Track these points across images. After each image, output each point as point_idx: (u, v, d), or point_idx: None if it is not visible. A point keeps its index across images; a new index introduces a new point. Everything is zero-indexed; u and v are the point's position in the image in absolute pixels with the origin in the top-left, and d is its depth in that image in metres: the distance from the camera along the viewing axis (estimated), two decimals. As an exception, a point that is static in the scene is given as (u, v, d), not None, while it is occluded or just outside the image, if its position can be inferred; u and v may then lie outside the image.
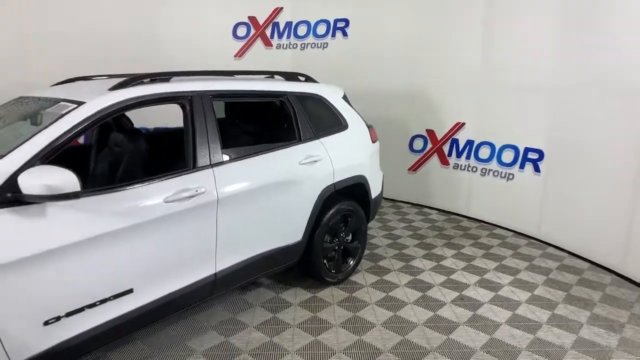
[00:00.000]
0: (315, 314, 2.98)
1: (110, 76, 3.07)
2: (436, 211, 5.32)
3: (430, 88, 5.17)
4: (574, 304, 3.13)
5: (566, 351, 2.57)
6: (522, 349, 2.59)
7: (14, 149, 1.87)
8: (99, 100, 2.14)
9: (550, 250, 4.14)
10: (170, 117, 3.38)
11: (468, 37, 4.74)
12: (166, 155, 3.18)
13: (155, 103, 2.37)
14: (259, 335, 2.72)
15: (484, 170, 4.82)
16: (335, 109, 3.40)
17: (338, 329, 2.80)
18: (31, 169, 1.77)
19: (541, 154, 4.24)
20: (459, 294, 3.27)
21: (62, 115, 2.03)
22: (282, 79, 3.33)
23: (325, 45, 5.93)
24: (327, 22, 5.86)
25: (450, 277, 3.55)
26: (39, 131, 1.94)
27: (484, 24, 4.60)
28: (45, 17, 5.38)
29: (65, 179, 1.75)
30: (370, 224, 3.96)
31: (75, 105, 2.10)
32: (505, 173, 4.61)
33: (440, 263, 3.81)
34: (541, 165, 4.25)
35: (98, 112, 2.09)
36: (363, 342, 2.66)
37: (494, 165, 4.72)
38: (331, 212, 3.20)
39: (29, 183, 1.73)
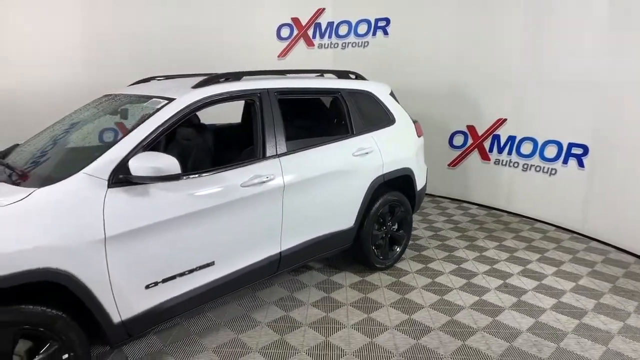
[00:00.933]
0: (365, 294, 3.20)
1: (180, 76, 3.41)
2: (476, 206, 5.43)
3: (471, 84, 5.29)
4: (620, 295, 3.21)
5: (613, 336, 2.69)
6: (567, 332, 2.73)
7: (122, 138, 2.19)
8: (186, 96, 2.44)
9: (594, 244, 4.20)
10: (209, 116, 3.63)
11: (510, 33, 4.83)
12: (227, 147, 3.50)
13: (231, 99, 2.66)
14: (316, 311, 2.98)
15: (525, 166, 4.91)
16: (384, 105, 3.62)
17: (388, 308, 3.02)
18: (139, 155, 2.08)
19: (586, 149, 4.30)
20: (502, 281, 3.42)
21: (158, 110, 2.35)
22: (334, 77, 3.57)
23: (366, 44, 6.13)
24: (368, 21, 6.06)
25: (494, 266, 3.69)
26: (141, 123, 2.25)
27: (526, 20, 4.69)
28: (114, 26, 5.81)
29: (169, 163, 2.06)
30: (413, 216, 4.14)
31: (167, 101, 2.41)
32: (548, 168, 4.69)
33: (482, 254, 3.95)
34: (585, 160, 4.31)
35: (187, 106, 2.40)
36: (413, 320, 2.86)
37: (536, 160, 4.80)
38: (380, 201, 3.41)
39: (138, 166, 2.04)
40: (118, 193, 2.05)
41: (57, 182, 1.96)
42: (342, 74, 3.57)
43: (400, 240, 3.70)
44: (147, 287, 2.19)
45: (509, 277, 3.48)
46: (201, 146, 3.28)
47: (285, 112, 2.91)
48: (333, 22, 6.24)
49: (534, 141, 4.81)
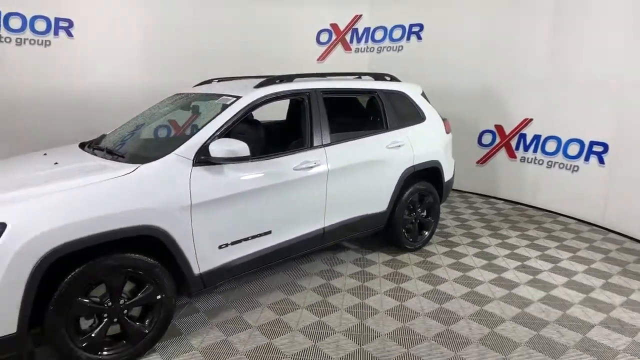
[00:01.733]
0: (396, 270, 3.66)
1: (235, 78, 3.98)
2: (502, 201, 5.76)
3: (499, 86, 5.63)
4: (629, 276, 3.53)
5: (615, 307, 3.04)
6: (574, 303, 3.09)
7: (201, 128, 2.74)
8: (251, 95, 2.98)
9: (612, 235, 4.47)
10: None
11: (537, 37, 5.15)
12: (275, 140, 4.02)
13: (285, 98, 3.19)
14: (353, 281, 3.45)
15: (549, 163, 5.21)
16: (415, 104, 4.05)
17: (417, 281, 3.46)
18: (217, 140, 2.63)
19: (606, 146, 4.58)
20: (520, 263, 3.78)
21: (228, 105, 2.89)
22: (371, 78, 4.03)
23: (400, 48, 6.56)
24: (402, 27, 6.49)
25: (514, 251, 4.06)
26: (216, 117, 2.80)
27: (552, 24, 4.99)
28: (175, 35, 6.48)
29: (241, 147, 2.59)
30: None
31: (235, 99, 2.96)
32: (571, 165, 4.98)
33: (505, 241, 4.32)
34: (605, 157, 4.59)
35: (251, 103, 2.94)
36: (438, 290, 3.30)
37: (559, 158, 5.09)
38: (410, 189, 3.85)
39: (216, 149, 2.59)
40: (200, 170, 2.60)
41: (155, 160, 2.53)
42: (379, 76, 4.03)
43: (429, 225, 4.13)
44: (220, 247, 2.73)
45: (527, 260, 3.85)
46: (254, 138, 3.82)
47: (329, 108, 3.40)
48: (369, 28, 6.71)
49: (558, 140, 5.11)
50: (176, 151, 2.59)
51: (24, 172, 2.59)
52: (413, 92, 4.10)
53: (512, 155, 5.65)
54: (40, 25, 5.56)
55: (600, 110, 4.62)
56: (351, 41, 6.85)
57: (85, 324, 2.35)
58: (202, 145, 2.64)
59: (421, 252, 4.03)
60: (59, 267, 2.17)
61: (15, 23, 5.36)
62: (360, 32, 6.78)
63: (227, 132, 2.79)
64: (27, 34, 5.47)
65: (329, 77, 3.70)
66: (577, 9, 4.77)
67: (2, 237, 2.01)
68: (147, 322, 2.50)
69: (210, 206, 2.62)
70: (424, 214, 4.09)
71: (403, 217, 3.86)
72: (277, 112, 4.50)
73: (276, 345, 2.63)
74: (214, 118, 2.80)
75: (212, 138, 2.69)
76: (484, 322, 2.87)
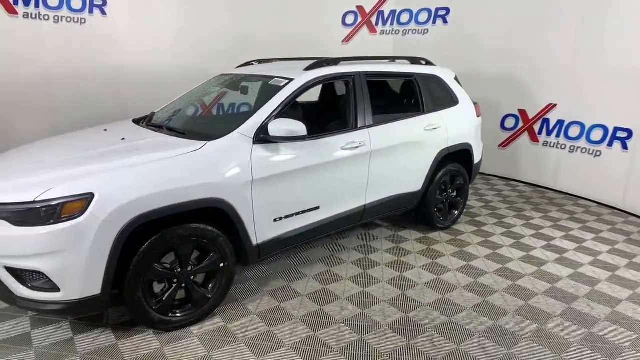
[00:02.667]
0: (429, 246, 3.85)
1: (275, 60, 4.11)
2: (523, 184, 5.91)
3: (524, 72, 5.71)
4: (651, 257, 3.72)
5: (639, 284, 3.23)
6: (601, 280, 3.29)
7: (256, 110, 2.89)
8: (302, 77, 3.12)
9: (633, 219, 4.64)
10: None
11: (562, 22, 5.20)
12: (312, 120, 4.15)
13: (333, 80, 3.32)
14: (389, 256, 3.66)
15: (572, 148, 5.34)
16: (449, 88, 4.17)
17: (450, 257, 3.65)
18: (277, 120, 2.79)
19: (630, 133, 4.70)
20: (547, 243, 3.97)
21: (282, 87, 3.04)
22: (407, 62, 4.14)
23: (425, 32, 6.61)
24: (428, 10, 6.53)
25: (539, 231, 4.24)
26: (272, 98, 2.95)
27: (581, 10, 5.04)
28: (209, 19, 6.57)
29: (299, 126, 2.75)
30: (468, 186, 4.71)
31: (288, 81, 3.10)
32: (593, 150, 5.11)
33: (529, 222, 4.50)
34: (629, 143, 4.72)
35: (303, 85, 3.08)
36: (471, 265, 3.49)
37: (582, 143, 5.22)
38: (443, 170, 4.01)
39: (275, 128, 2.75)
40: (259, 148, 2.77)
41: (219, 138, 2.70)
42: (415, 60, 4.14)
43: (458, 205, 4.30)
44: (275, 220, 2.92)
45: (553, 240, 4.03)
46: (294, 118, 3.97)
47: (371, 91, 3.54)
48: (395, 10, 6.75)
49: (581, 125, 5.23)
50: (238, 130, 2.76)
51: (96, 147, 2.76)
52: (447, 76, 4.21)
53: (534, 139, 5.77)
54: (76, 4, 5.64)
55: (625, 97, 4.71)
56: (376, 23, 6.90)
57: (157, 288, 2.56)
58: (261, 125, 2.80)
59: (451, 231, 4.22)
60: (137, 235, 2.37)
61: (53, 1, 5.44)
62: (386, 14, 6.83)
63: (282, 112, 2.94)
64: (64, 11, 5.56)
65: (371, 61, 3.81)
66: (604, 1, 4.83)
67: (90, 206, 2.20)
68: (210, 287, 2.71)
69: (267, 182, 2.79)
70: (454, 194, 4.26)
71: (435, 196, 4.04)
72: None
73: (327, 311, 2.84)
74: (270, 99, 2.95)
75: (269, 118, 2.85)
76: (517, 295, 3.07)
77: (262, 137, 2.78)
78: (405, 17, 6.72)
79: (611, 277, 3.34)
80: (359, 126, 3.34)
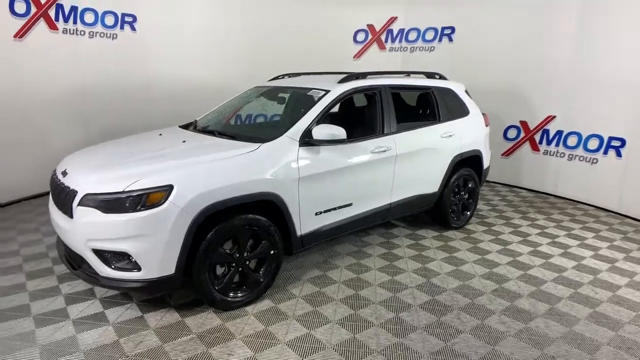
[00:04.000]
0: (445, 243, 4.23)
1: (303, 73, 4.53)
2: (525, 190, 6.34)
3: (525, 85, 6.18)
4: (646, 252, 4.13)
5: (636, 274, 3.62)
6: (602, 270, 3.68)
7: (301, 117, 3.28)
8: (337, 89, 3.53)
9: (628, 220, 5.06)
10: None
11: (561, 40, 5.68)
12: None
13: (362, 92, 3.73)
14: (411, 250, 4.03)
15: (570, 156, 5.79)
16: (461, 99, 4.60)
17: (465, 252, 4.03)
18: (320, 125, 3.18)
19: (624, 141, 5.15)
20: (551, 240, 4.37)
21: (321, 98, 3.44)
22: (423, 76, 4.58)
23: (432, 49, 7.10)
24: (435, 29, 7.03)
25: (544, 230, 4.64)
26: (313, 106, 3.35)
27: (577, 29, 5.53)
28: (240, 36, 7.04)
29: (340, 131, 3.14)
30: (477, 190, 5.12)
31: (324, 92, 3.51)
32: (590, 158, 5.55)
33: (534, 222, 4.90)
34: (623, 151, 5.17)
35: (338, 96, 3.49)
36: (485, 259, 3.88)
37: (580, 151, 5.67)
38: (457, 174, 4.42)
39: (319, 132, 3.14)
40: (304, 150, 3.16)
41: (271, 141, 3.09)
42: (430, 75, 4.58)
43: (469, 207, 4.70)
44: (316, 214, 3.29)
45: (557, 238, 4.43)
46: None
47: (394, 102, 3.95)
48: (404, 29, 7.24)
49: (579, 135, 5.68)
50: (287, 134, 3.15)
51: (165, 147, 3.13)
52: (459, 89, 4.65)
53: (535, 148, 6.22)
54: (109, 20, 6.06)
55: (619, 108, 5.17)
56: (386, 41, 7.38)
57: (219, 270, 2.91)
58: (306, 130, 3.20)
59: (463, 230, 4.61)
60: (204, 224, 2.73)
61: (89, 17, 5.85)
62: (395, 32, 7.31)
63: (321, 119, 3.34)
64: (98, 27, 5.97)
65: (393, 75, 4.24)
66: (600, 15, 5.30)
67: (171, 196, 2.57)
68: (261, 272, 3.07)
69: (311, 179, 3.17)
70: (466, 196, 4.66)
71: (450, 198, 4.43)
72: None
73: (363, 295, 3.20)
74: (311, 108, 3.35)
75: (312, 124, 3.24)
76: (529, 282, 3.45)
77: (306, 140, 3.17)
78: (413, 35, 7.21)
79: (611, 268, 3.73)
80: (385, 132, 3.75)
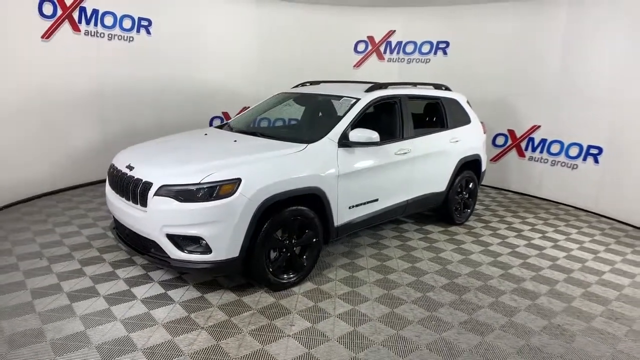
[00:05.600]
0: (451, 237, 4.75)
1: (324, 81, 4.97)
2: (512, 192, 6.97)
3: (513, 97, 6.82)
4: (622, 245, 4.75)
5: (616, 262, 4.24)
6: (588, 259, 4.28)
7: (338, 122, 3.71)
8: (366, 97, 3.99)
9: (604, 219, 5.73)
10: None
11: (546, 56, 6.35)
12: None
13: (385, 100, 4.20)
14: (422, 242, 4.52)
15: (553, 162, 6.45)
16: (464, 109, 5.15)
17: (470, 244, 4.56)
18: (357, 129, 3.62)
19: (601, 150, 5.84)
20: (542, 235, 4.96)
21: (353, 105, 3.88)
22: (431, 87, 5.10)
23: (427, 61, 7.67)
24: (431, 42, 7.61)
25: (535, 227, 5.24)
26: (347, 112, 3.79)
27: (561, 47, 6.19)
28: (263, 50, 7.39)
29: (374, 134, 3.59)
30: (474, 191, 5.68)
31: (355, 100, 3.95)
32: (571, 164, 6.22)
33: (525, 220, 5.50)
34: (600, 158, 5.85)
35: (368, 103, 3.94)
36: (489, 250, 4.41)
37: (562, 158, 6.34)
38: (460, 176, 4.95)
39: (356, 135, 3.58)
40: (342, 150, 3.59)
41: (315, 142, 3.50)
42: (437, 86, 5.11)
43: (470, 205, 5.25)
44: (349, 207, 3.73)
45: (546, 233, 5.03)
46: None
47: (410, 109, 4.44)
48: (401, 42, 7.79)
49: (561, 143, 6.35)
50: (328, 135, 3.58)
51: (221, 145, 3.50)
52: (462, 99, 5.20)
53: (521, 154, 6.87)
54: (127, 23, 6.31)
55: (597, 120, 5.85)
56: (385, 52, 7.91)
57: (272, 255, 3.29)
58: (343, 133, 3.63)
59: (465, 226, 5.14)
60: (263, 214, 3.11)
61: (108, 20, 6.09)
62: (393, 44, 7.86)
63: (354, 124, 3.78)
64: (117, 30, 6.21)
65: (408, 86, 4.72)
66: (582, 38, 5.98)
67: (239, 187, 2.95)
68: (305, 257, 3.47)
69: (347, 177, 3.61)
70: (467, 195, 5.20)
71: (455, 196, 4.96)
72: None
73: (391, 279, 3.65)
74: (346, 113, 3.79)
75: (347, 128, 3.68)
76: (529, 268, 3.99)
77: (344, 142, 3.61)
78: (410, 48, 7.77)
79: (595, 258, 4.34)
80: (404, 137, 4.23)
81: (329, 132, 3.61)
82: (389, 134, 4.24)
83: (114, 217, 3.69)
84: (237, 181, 2.95)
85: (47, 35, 5.44)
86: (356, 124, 3.78)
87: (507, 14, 6.72)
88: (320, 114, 4.58)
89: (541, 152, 6.62)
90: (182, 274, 3.52)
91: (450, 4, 7.17)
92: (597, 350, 2.78)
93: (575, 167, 6.20)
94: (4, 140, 5.01)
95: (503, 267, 4.00)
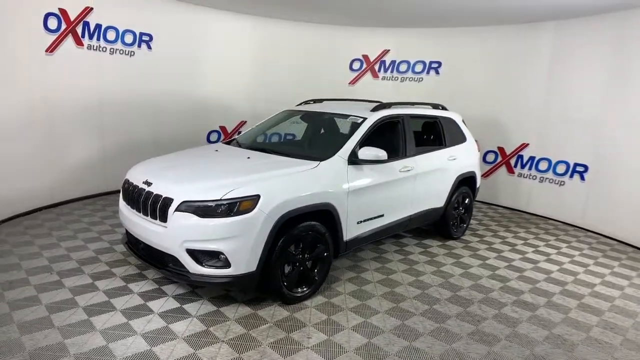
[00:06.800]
0: (450, 251, 4.92)
1: (326, 100, 5.14)
2: (502, 207, 7.23)
3: (502, 116, 7.13)
4: (609, 258, 5.01)
5: (606, 275, 4.47)
6: (579, 272, 4.51)
7: (348, 140, 3.86)
8: (373, 116, 4.16)
9: (590, 234, 6.02)
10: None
11: (534, 79, 6.68)
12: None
13: (390, 120, 4.37)
14: (423, 257, 4.68)
15: (541, 178, 6.74)
16: (460, 128, 5.39)
17: (469, 258, 4.74)
18: (365, 147, 3.77)
19: (586, 167, 6.15)
20: (535, 248, 5.19)
21: (360, 124, 4.05)
22: (429, 107, 5.31)
23: (420, 80, 7.95)
24: (423, 62, 7.89)
25: (527, 241, 5.47)
26: (355, 131, 3.95)
27: (548, 71, 6.54)
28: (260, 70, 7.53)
29: (382, 152, 3.75)
30: (468, 206, 5.90)
31: (363, 119, 4.12)
32: (558, 180, 6.52)
33: (517, 234, 5.73)
34: (586, 175, 6.16)
35: (374, 122, 4.11)
36: (487, 264, 4.60)
37: (550, 175, 6.63)
38: (457, 192, 5.16)
39: (364, 154, 3.74)
40: (352, 168, 3.74)
41: (326, 159, 3.64)
42: (435, 105, 5.33)
43: (466, 219, 5.45)
44: (357, 222, 3.86)
45: (538, 247, 5.26)
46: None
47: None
48: (395, 61, 8.06)
49: (549, 161, 6.65)
50: (338, 153, 3.72)
51: (236, 162, 3.61)
52: (458, 119, 5.44)
53: (510, 171, 7.15)
54: (128, 38, 6.39)
55: (583, 139, 6.17)
56: (379, 70, 8.16)
57: (287, 269, 3.39)
58: (352, 151, 3.79)
59: (461, 241, 5.33)
60: (280, 229, 3.22)
61: (111, 35, 6.16)
62: (387, 63, 8.12)
63: (363, 143, 3.94)
64: (118, 44, 6.29)
65: (408, 105, 4.90)
66: (567, 63, 6.34)
67: (258, 204, 3.06)
68: (316, 271, 3.58)
69: (357, 193, 3.75)
70: (463, 210, 5.41)
71: (452, 212, 5.15)
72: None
73: (397, 291, 3.79)
74: (354, 132, 3.95)
75: (356, 146, 3.84)
76: (526, 281, 4.19)
77: (353, 159, 3.76)
78: (403, 67, 8.05)
79: (586, 271, 4.57)
80: (407, 155, 4.41)
81: (339, 150, 3.76)
82: (393, 152, 4.40)
83: (126, 231, 3.74)
84: (256, 197, 3.06)
85: (51, 49, 5.48)
86: (363, 142, 3.94)
87: (497, 37, 7.06)
88: (327, 131, 4.73)
89: (530, 169, 6.91)
90: (195, 288, 3.59)
91: (442, 26, 7.48)
92: (597, 358, 2.96)
93: (562, 183, 6.50)
94: (6, 153, 5.00)
95: (502, 280, 4.18)
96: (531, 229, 6.04)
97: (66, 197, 5.93)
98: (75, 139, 5.97)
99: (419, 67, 7.94)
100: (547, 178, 6.70)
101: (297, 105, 5.18)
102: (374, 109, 4.32)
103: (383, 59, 8.13)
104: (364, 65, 8.20)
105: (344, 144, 3.82)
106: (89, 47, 5.94)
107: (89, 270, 3.83)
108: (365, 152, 3.75)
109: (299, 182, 3.36)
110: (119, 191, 3.61)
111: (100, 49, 6.09)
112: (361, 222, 3.91)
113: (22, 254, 4.08)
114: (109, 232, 4.82)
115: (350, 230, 3.80)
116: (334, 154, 3.71)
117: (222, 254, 3.02)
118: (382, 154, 3.76)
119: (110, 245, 4.44)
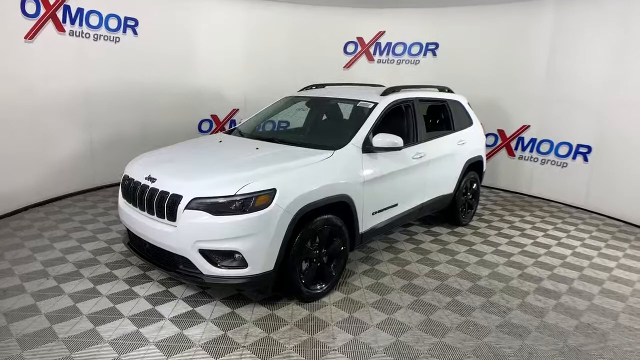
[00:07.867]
0: (460, 238, 4.81)
1: (329, 84, 4.91)
2: (503, 191, 7.16)
3: (502, 98, 6.99)
4: (619, 241, 4.97)
5: (619, 258, 4.42)
6: (594, 256, 4.45)
7: (360, 127, 3.65)
8: (384, 100, 3.95)
9: (595, 215, 5.99)
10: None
11: (536, 60, 6.54)
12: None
13: (400, 104, 4.17)
14: (435, 245, 4.55)
15: (543, 160, 6.67)
16: (466, 111, 5.23)
17: (481, 245, 4.63)
18: (380, 134, 3.57)
19: (590, 148, 6.08)
20: (544, 233, 5.11)
21: (372, 109, 3.84)
22: (436, 89, 5.12)
23: (417, 62, 7.74)
24: (420, 44, 7.68)
25: (535, 225, 5.39)
26: (367, 117, 3.74)
27: (549, 51, 6.41)
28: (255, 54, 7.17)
29: (398, 139, 3.56)
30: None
31: (373, 104, 3.91)
32: (561, 162, 6.46)
33: (523, 218, 5.65)
34: (589, 156, 6.09)
35: (385, 107, 3.91)
36: (499, 250, 4.49)
37: (551, 156, 6.56)
38: (466, 177, 5.02)
39: (379, 141, 3.54)
40: (367, 156, 3.54)
41: (340, 148, 3.43)
42: (441, 88, 5.15)
43: (473, 205, 5.33)
44: (372, 213, 3.69)
45: (547, 231, 5.19)
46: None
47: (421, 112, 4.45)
48: (391, 43, 7.82)
49: (550, 142, 6.57)
50: (352, 141, 3.52)
51: (247, 154, 3.37)
52: (464, 101, 5.27)
53: (511, 154, 7.06)
54: (113, 23, 6.00)
55: (586, 120, 6.09)
56: (374, 53, 7.92)
57: (304, 265, 3.20)
58: (366, 138, 3.58)
59: (470, 227, 5.22)
60: (298, 224, 3.01)
61: (94, 20, 5.76)
62: (382, 45, 7.87)
63: (375, 129, 3.74)
64: (102, 30, 5.89)
65: (418, 88, 4.69)
66: (570, 40, 6.19)
67: (275, 198, 2.84)
68: (332, 266, 3.40)
69: (372, 183, 3.57)
70: (470, 196, 5.29)
71: (461, 197, 5.02)
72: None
73: (416, 284, 3.65)
74: (366, 118, 3.74)
75: (369, 133, 3.64)
76: (543, 267, 4.09)
77: (367, 147, 3.56)
78: (399, 49, 7.82)
79: (599, 254, 4.51)
80: (419, 141, 4.23)
81: (352, 138, 3.55)
82: (404, 138, 4.20)
83: (127, 230, 3.49)
84: (272, 192, 2.85)
85: (30, 35, 5.08)
86: (375, 129, 3.74)
87: (496, 16, 6.88)
88: (336, 118, 4.50)
89: (531, 151, 6.82)
90: (205, 289, 3.37)
91: (439, 6, 7.26)
92: (632, 348, 2.88)
93: (565, 165, 6.43)
94: (-13, 150, 4.65)
95: (519, 267, 4.08)
96: (536, 212, 5.97)
97: (53, 195, 5.59)
98: (60, 132, 5.61)
99: (415, 49, 7.72)
100: (549, 160, 6.62)
101: (300, 90, 4.93)
102: (384, 93, 4.11)
103: (378, 41, 7.88)
104: (359, 48, 7.94)
105: (357, 132, 3.61)
106: (71, 33, 5.55)
107: (88, 274, 3.57)
108: (380, 139, 3.55)
109: (316, 173, 3.16)
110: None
111: (83, 35, 5.70)
112: (376, 212, 3.73)
113: (13, 259, 3.79)
114: (104, 231, 4.54)
115: (366, 221, 3.63)
116: (348, 142, 3.50)
117: (238, 253, 2.81)
118: (398, 140, 3.57)
119: (107, 245, 4.18)
